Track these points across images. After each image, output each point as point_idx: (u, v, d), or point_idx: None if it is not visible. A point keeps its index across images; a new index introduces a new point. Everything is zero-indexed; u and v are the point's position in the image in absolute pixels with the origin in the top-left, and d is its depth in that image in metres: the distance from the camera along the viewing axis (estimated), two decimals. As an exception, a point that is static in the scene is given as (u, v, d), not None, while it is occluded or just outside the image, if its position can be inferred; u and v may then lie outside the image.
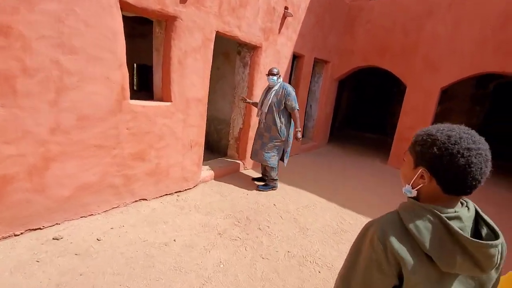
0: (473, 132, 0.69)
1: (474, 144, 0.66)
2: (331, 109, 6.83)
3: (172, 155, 3.03)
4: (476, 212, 0.74)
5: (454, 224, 0.66)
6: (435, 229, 0.67)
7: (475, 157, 0.65)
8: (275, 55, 4.14)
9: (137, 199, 2.87)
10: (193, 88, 3.05)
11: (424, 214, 0.69)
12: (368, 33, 5.76)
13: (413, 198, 0.76)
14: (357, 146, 7.44)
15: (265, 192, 3.61)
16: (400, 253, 0.67)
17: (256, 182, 3.86)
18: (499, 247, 0.66)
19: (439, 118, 7.03)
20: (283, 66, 4.38)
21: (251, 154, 3.75)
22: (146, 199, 2.94)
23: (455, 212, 0.69)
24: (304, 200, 3.50)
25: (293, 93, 3.48)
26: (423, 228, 0.67)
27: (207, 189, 3.47)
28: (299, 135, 3.66)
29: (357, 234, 0.80)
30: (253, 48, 3.85)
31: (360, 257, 0.75)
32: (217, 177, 3.84)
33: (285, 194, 3.65)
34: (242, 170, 4.30)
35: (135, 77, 9.19)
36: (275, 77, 3.46)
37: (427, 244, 0.66)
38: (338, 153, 6.42)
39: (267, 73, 3.52)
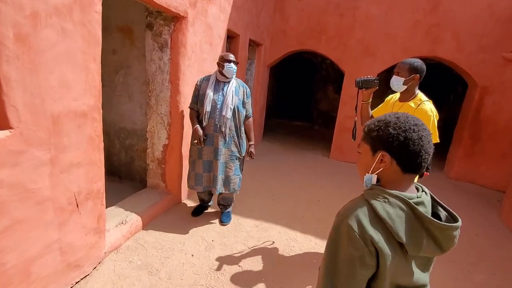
0: (411, 115, 0.75)
1: (419, 121, 0.73)
2: (265, 101, 5.96)
3: (30, 238, 1.46)
4: (431, 196, 0.78)
5: (420, 208, 0.69)
6: (406, 217, 0.69)
7: (423, 131, 0.71)
8: (206, 32, 2.82)
9: None
10: (67, 92, 1.50)
11: (395, 202, 0.70)
12: (301, 12, 4.99)
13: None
14: (291, 137, 6.90)
15: (220, 243, 2.40)
16: (380, 245, 0.67)
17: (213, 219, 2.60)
18: (457, 232, 0.71)
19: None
20: (216, 49, 3.10)
21: (198, 184, 2.53)
22: None
23: (419, 197, 0.73)
24: (276, 243, 2.47)
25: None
26: (396, 217, 0.68)
27: (122, 266, 2.01)
28: (253, 149, 2.64)
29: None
30: (173, 20, 2.43)
31: (340, 255, 0.71)
32: (137, 231, 2.38)
33: (247, 236, 2.54)
34: (174, 205, 2.92)
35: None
36: (235, 67, 2.31)
37: (401, 234, 0.67)
38: (278, 150, 5.66)
39: (221, 59, 2.33)
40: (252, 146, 2.63)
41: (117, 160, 3.35)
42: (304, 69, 8.95)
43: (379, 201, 0.71)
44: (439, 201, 0.78)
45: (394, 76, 1.82)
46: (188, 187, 2.61)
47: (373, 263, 0.69)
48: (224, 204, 2.73)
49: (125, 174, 3.35)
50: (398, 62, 4.84)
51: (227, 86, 2.40)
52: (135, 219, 2.36)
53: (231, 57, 2.35)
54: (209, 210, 2.92)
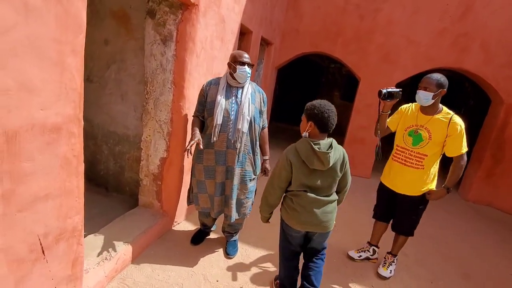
0: (328, 102, 1.51)
1: (330, 107, 1.48)
2: (270, 105, 5.53)
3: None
4: (332, 142, 1.51)
5: (316, 146, 1.45)
6: (307, 148, 1.47)
7: (330, 113, 1.47)
8: (218, 26, 2.36)
9: None
10: (29, 97, 1.03)
11: (305, 142, 1.50)
12: (317, 10, 4.57)
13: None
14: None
15: (227, 286, 1.95)
16: (292, 159, 1.51)
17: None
18: (331, 154, 1.45)
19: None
20: (228, 46, 2.65)
21: (212, 208, 2.12)
22: None
23: (318, 141, 1.48)
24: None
25: None
26: (302, 149, 1.49)
27: (103, 322, 1.56)
28: (268, 165, 2.23)
29: None
30: (181, 7, 1.96)
31: (277, 166, 1.57)
32: (124, 267, 1.92)
33: (260, 274, 2.11)
34: (170, 228, 2.46)
35: None
36: (249, 70, 1.89)
37: (303, 156, 1.48)
38: (282, 159, 5.23)
39: (233, 59, 1.93)
40: (267, 161, 2.22)
41: (105, 169, 2.87)
42: (309, 71, 8.55)
43: (299, 142, 1.52)
44: (333, 144, 1.50)
45: (421, 91, 1.88)
46: (198, 209, 2.17)
47: (289, 169, 1.52)
48: (231, 232, 2.29)
49: (113, 186, 2.87)
50: (420, 71, 4.44)
51: (241, 92, 1.97)
52: (122, 252, 1.89)
53: (246, 58, 1.91)
54: (211, 235, 2.47)
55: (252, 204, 2.22)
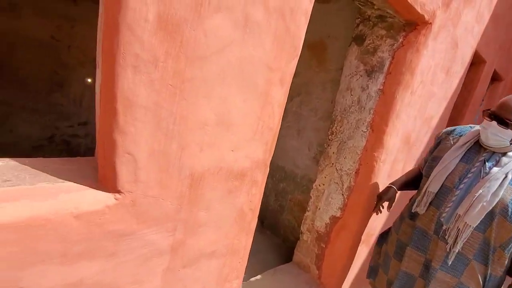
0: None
1: None
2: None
3: None
4: None
5: None
6: None
7: None
8: (448, 52, 1.68)
9: None
10: (224, 135, 0.81)
11: None
12: None
13: None
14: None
15: None
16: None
17: None
18: None
19: None
20: (452, 81, 1.87)
21: None
22: None
23: None
24: None
25: None
26: None
27: None
28: None
29: None
30: (404, 28, 1.47)
31: None
32: None
33: None
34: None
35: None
36: (500, 130, 1.10)
37: None
38: None
39: (489, 110, 1.15)
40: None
41: (264, 202, 2.74)
42: None
43: None
44: None
45: None
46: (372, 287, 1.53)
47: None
48: None
49: (269, 223, 2.68)
50: None
51: (495, 160, 1.14)
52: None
53: (505, 111, 1.05)
54: None
55: None
